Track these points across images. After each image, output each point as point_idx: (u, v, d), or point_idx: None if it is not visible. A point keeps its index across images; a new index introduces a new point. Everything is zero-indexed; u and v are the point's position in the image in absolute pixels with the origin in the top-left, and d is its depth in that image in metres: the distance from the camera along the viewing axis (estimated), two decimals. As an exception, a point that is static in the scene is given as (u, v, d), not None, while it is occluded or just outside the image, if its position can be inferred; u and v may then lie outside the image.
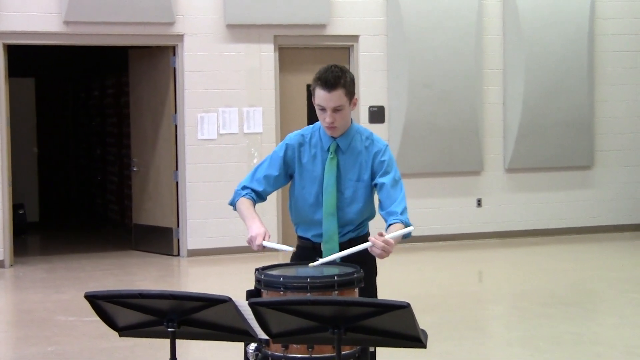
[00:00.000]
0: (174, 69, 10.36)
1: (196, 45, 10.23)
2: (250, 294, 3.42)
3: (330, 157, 3.87)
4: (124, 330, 3.17)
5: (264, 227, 3.73)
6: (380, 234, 3.51)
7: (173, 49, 10.33)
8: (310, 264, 3.56)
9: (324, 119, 3.82)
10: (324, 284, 3.32)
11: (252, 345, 3.34)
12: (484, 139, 11.18)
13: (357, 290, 3.41)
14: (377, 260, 3.80)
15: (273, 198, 10.07)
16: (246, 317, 2.96)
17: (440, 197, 11.11)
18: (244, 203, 3.90)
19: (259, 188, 3.94)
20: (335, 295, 3.29)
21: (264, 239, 3.67)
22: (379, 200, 3.85)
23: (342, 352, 3.05)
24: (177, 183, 10.44)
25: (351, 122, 3.92)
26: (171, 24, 10.13)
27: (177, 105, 10.34)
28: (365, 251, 3.57)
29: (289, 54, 10.68)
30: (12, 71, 10.34)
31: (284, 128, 10.37)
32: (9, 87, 10.03)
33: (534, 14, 11.16)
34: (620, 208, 11.82)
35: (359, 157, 3.89)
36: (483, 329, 7.19)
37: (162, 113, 10.54)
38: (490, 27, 11.17)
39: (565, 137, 11.37)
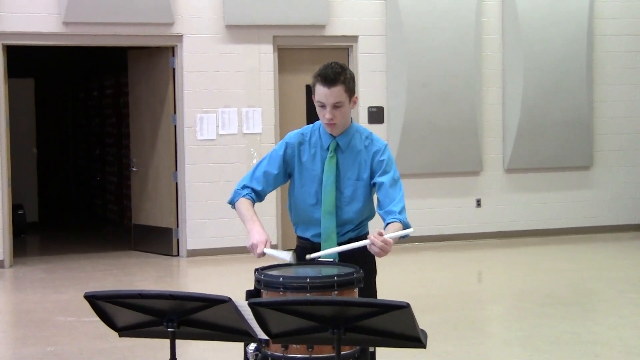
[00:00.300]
0: (173, 69, 10.36)
1: (195, 45, 10.23)
2: (250, 294, 3.42)
3: (329, 156, 3.87)
4: (124, 331, 3.17)
5: (266, 233, 3.72)
6: (380, 233, 3.52)
7: (172, 49, 10.33)
8: (308, 256, 3.58)
9: (324, 116, 3.81)
10: (324, 284, 3.32)
11: (252, 346, 3.34)
12: (483, 139, 11.18)
13: (356, 290, 3.41)
14: (377, 260, 3.81)
15: (272, 198, 10.07)
16: (246, 317, 2.96)
17: (439, 197, 11.11)
18: (244, 204, 3.89)
19: (259, 187, 3.94)
20: (334, 296, 3.29)
21: (265, 246, 3.67)
22: (378, 199, 3.85)
23: (342, 352, 3.05)
24: (176, 183, 10.43)
25: (351, 122, 3.92)
26: (170, 24, 10.13)
27: (177, 105, 10.34)
28: (365, 251, 3.57)
29: (288, 55, 10.68)
30: (12, 72, 10.35)
31: (283, 128, 10.36)
32: (9, 87, 10.04)
33: (533, 15, 11.16)
34: (619, 208, 11.82)
35: (358, 156, 3.89)
36: (482, 329, 7.18)
37: (162, 113, 10.54)
38: (489, 27, 11.18)
39: (564, 138, 11.38)
